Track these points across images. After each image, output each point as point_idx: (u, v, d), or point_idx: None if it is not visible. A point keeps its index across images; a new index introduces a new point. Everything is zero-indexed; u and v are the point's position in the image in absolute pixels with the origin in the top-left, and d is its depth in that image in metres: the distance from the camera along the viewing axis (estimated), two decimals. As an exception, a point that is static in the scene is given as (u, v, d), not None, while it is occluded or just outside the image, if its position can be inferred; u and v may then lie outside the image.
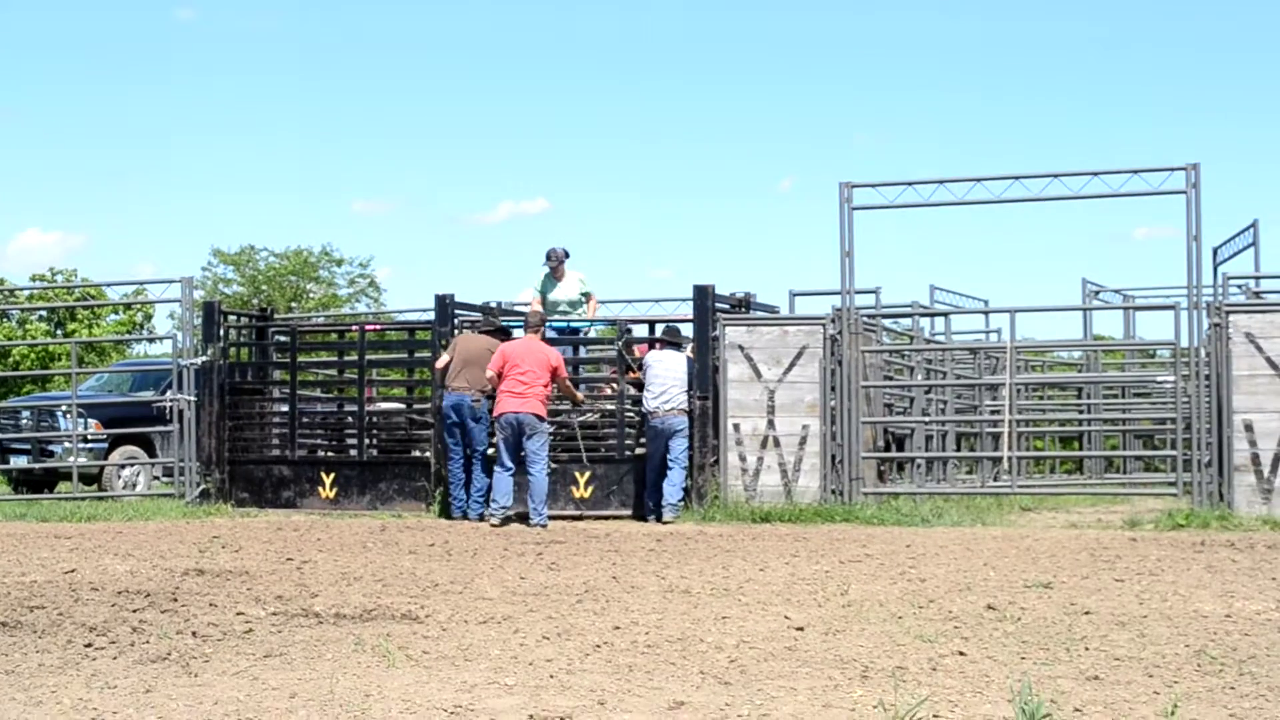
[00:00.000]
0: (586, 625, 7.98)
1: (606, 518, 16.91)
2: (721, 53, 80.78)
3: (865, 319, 18.31)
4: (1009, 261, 78.32)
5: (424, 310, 20.97)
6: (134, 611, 8.71)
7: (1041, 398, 26.12)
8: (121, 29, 78.54)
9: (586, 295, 19.40)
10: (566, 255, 19.14)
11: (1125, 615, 8.28)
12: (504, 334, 17.51)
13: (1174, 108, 77.83)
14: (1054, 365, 28.18)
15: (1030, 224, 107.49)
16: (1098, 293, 24.92)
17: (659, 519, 16.38)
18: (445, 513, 17.09)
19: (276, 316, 25.64)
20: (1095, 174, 16.69)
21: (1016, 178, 16.90)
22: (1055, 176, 16.80)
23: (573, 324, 19.28)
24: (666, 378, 16.77)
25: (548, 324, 18.18)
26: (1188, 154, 52.27)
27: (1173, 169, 16.21)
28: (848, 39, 79.98)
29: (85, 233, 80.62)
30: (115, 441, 22.15)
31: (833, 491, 16.72)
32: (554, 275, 19.17)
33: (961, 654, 6.96)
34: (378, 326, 25.61)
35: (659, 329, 17.89)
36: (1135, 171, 16.50)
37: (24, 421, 23.52)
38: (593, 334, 19.66)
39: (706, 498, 16.84)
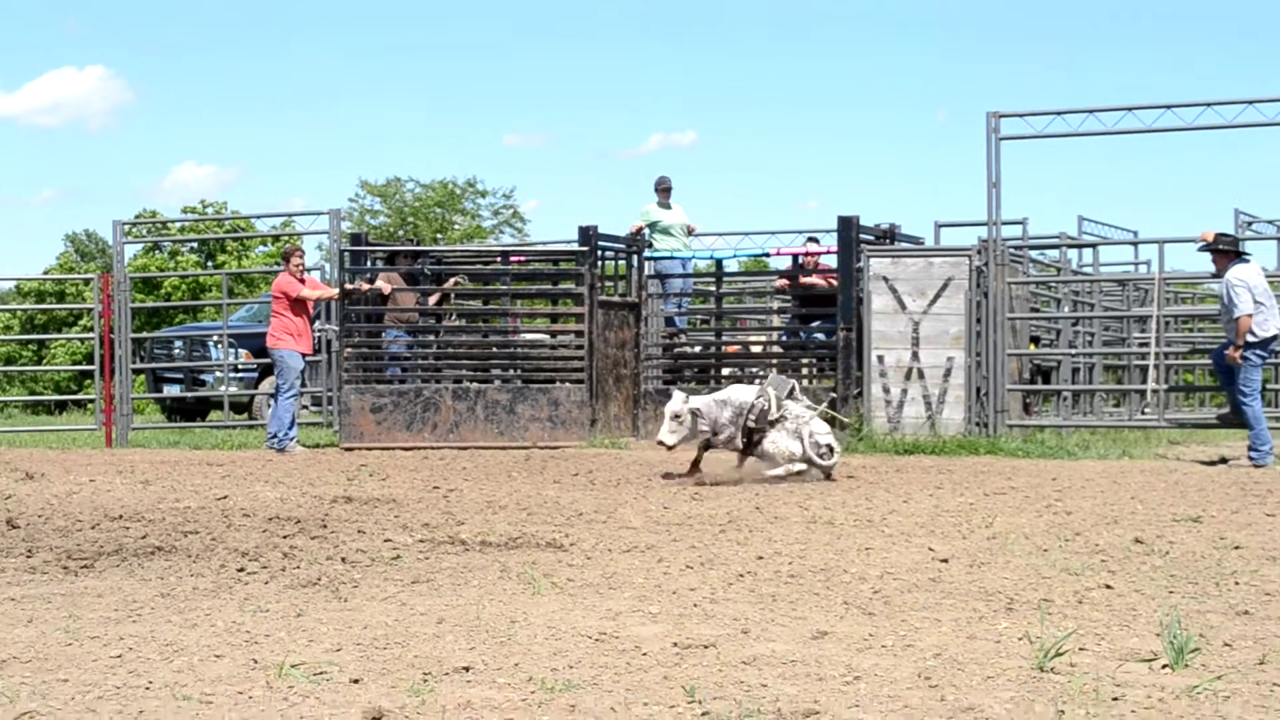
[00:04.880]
0: (730, 555, 7.99)
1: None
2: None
3: (1012, 250, 18.10)
4: (1159, 192, 77.10)
5: (568, 242, 21.03)
6: (284, 537, 8.88)
7: (1191, 330, 25.65)
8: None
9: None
10: None
11: (1276, 550, 8.14)
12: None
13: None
14: (1205, 297, 27.66)
15: (1182, 154, 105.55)
16: (1251, 223, 24.39)
17: None
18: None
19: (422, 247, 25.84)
20: (1250, 102, 16.32)
21: (1169, 106, 16.57)
22: (1209, 105, 16.46)
23: (688, 256, 19.46)
24: None
25: (672, 255, 18.46)
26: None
27: (1331, 95, 15.83)
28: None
29: (239, 165, 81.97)
30: (265, 371, 22.46)
31: (977, 424, 16.60)
32: (664, 203, 19.37)
33: (1108, 587, 6.89)
34: (524, 256, 25.67)
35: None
36: (1292, 98, 16.12)
37: (176, 351, 24.03)
38: (734, 266, 19.74)
39: (849, 429, 16.79)
